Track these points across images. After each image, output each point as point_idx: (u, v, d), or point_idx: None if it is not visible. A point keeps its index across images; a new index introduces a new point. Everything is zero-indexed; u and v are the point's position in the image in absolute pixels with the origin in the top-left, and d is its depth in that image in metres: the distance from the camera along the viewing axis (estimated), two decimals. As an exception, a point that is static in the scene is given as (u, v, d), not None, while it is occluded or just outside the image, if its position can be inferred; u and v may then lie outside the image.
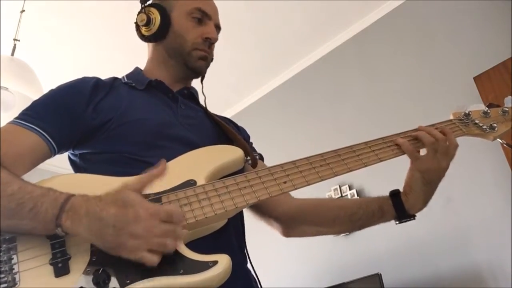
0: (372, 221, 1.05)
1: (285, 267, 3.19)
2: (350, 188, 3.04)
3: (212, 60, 1.13)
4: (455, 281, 2.44)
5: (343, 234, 2.93)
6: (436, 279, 2.52)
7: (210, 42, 1.09)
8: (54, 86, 0.99)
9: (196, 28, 1.09)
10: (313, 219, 1.10)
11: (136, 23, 1.12)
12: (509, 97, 1.14)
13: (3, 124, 0.92)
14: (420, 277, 2.58)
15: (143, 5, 1.12)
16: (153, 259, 0.69)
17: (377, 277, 2.53)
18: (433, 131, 1.00)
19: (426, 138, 0.99)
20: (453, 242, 2.50)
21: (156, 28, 1.08)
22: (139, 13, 1.12)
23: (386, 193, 1.06)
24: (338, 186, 3.07)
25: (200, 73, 1.12)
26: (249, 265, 0.99)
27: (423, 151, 1.02)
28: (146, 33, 1.10)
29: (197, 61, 1.08)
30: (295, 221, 1.11)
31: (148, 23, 1.09)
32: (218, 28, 1.14)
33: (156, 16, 1.08)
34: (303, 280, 3.10)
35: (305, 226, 1.11)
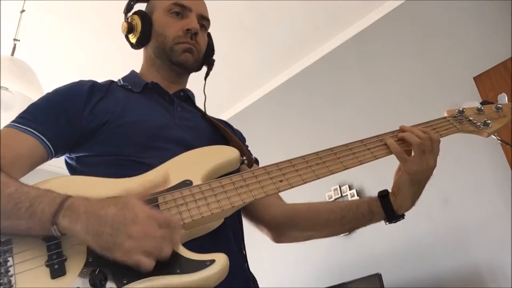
0: (362, 223, 1.04)
1: (285, 267, 3.19)
2: (350, 188, 3.03)
3: (201, 52, 1.11)
4: (455, 281, 2.43)
5: (343, 234, 2.93)
6: (436, 279, 2.52)
7: (191, 33, 1.07)
8: (54, 86, 0.99)
9: (176, 22, 1.08)
10: (303, 224, 1.09)
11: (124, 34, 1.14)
12: (503, 94, 1.13)
13: (2, 125, 0.92)
14: (420, 277, 2.58)
15: (126, 16, 1.14)
16: (149, 263, 0.68)
17: (377, 277, 2.53)
18: (416, 131, 0.99)
19: (413, 139, 0.97)
20: (453, 242, 2.49)
21: (139, 33, 1.09)
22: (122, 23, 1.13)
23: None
24: (338, 186, 3.07)
25: (187, 66, 1.10)
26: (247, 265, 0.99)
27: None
28: (133, 40, 1.12)
29: (180, 55, 1.07)
30: (285, 227, 1.09)
31: (131, 30, 1.11)
32: (204, 18, 1.12)
33: (137, 22, 1.10)
34: (303, 280, 3.10)
35: (295, 231, 1.10)
